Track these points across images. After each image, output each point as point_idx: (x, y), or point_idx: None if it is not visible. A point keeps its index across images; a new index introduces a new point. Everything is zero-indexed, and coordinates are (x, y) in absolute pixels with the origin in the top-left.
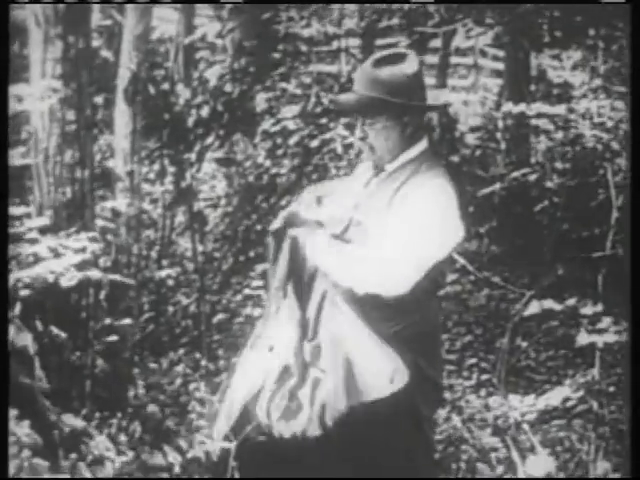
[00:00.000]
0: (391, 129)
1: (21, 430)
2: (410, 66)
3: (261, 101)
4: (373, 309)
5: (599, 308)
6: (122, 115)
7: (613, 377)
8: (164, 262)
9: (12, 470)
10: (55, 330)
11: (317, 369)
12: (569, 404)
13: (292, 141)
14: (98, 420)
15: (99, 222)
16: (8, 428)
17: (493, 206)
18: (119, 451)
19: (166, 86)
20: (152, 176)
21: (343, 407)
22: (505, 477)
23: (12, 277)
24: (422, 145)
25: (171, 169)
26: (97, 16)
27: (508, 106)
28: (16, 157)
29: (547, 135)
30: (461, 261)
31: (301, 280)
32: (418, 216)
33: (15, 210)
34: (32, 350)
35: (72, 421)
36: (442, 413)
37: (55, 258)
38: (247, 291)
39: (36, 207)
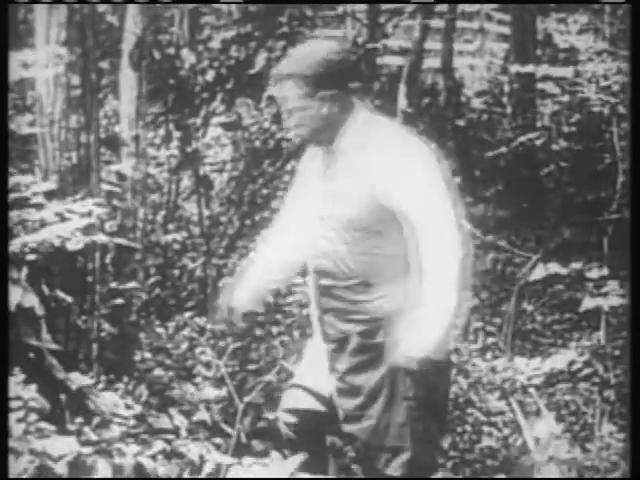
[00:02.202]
0: None
1: (28, 394)
2: None
3: (266, 65)
4: None
5: (604, 272)
6: (127, 80)
7: (618, 340)
8: (170, 226)
9: (18, 433)
10: (61, 294)
11: None
12: (574, 367)
13: None
14: (105, 383)
15: (105, 186)
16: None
17: (499, 170)
18: (127, 406)
19: (171, 51)
20: (158, 141)
21: None
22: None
23: (18, 241)
24: None
25: (177, 134)
26: None
27: (515, 67)
28: (22, 125)
29: (553, 99)
30: (467, 225)
31: None
32: None
33: (20, 175)
34: (39, 313)
35: (80, 379)
36: None
37: (61, 222)
38: (253, 255)
39: (42, 172)
